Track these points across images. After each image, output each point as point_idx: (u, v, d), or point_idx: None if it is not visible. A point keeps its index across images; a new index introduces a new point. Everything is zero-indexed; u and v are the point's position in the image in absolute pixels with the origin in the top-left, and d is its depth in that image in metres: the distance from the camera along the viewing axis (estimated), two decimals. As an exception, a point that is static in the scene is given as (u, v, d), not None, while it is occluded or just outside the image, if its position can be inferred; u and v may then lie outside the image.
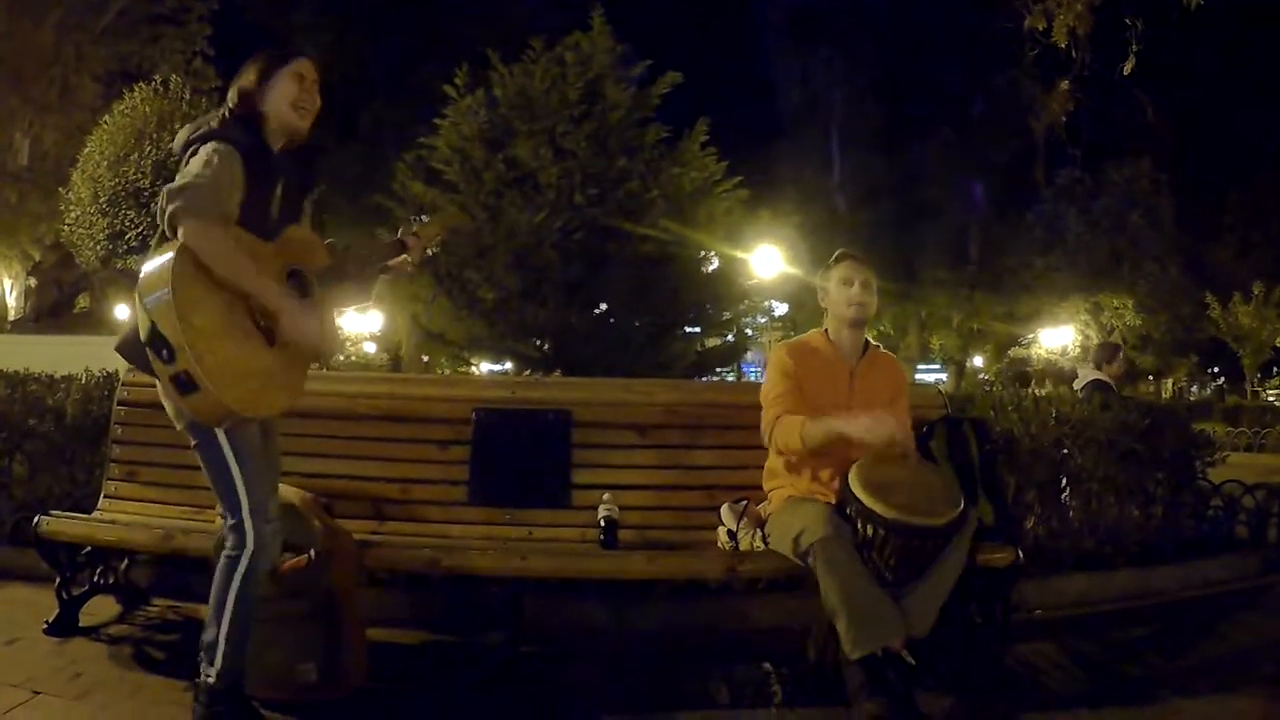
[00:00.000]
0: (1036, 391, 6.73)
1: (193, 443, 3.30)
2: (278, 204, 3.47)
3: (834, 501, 3.84)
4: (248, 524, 3.26)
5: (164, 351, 2.97)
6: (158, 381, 3.16)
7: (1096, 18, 9.51)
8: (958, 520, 3.67)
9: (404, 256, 3.97)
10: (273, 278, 3.35)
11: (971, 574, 3.84)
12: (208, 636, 3.26)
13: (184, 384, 2.98)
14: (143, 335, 3.03)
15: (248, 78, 3.47)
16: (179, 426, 3.31)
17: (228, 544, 3.29)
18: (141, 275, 3.09)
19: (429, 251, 4.14)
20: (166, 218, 3.12)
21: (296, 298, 3.43)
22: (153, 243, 3.29)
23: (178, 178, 3.19)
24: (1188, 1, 8.52)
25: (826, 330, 4.35)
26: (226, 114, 3.43)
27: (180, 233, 3.08)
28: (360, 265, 3.85)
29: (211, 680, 3.24)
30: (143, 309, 3.03)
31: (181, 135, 3.43)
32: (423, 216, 4.22)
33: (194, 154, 3.28)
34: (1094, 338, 34.53)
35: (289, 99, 3.47)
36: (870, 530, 3.62)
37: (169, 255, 3.04)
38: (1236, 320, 40.89)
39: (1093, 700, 3.92)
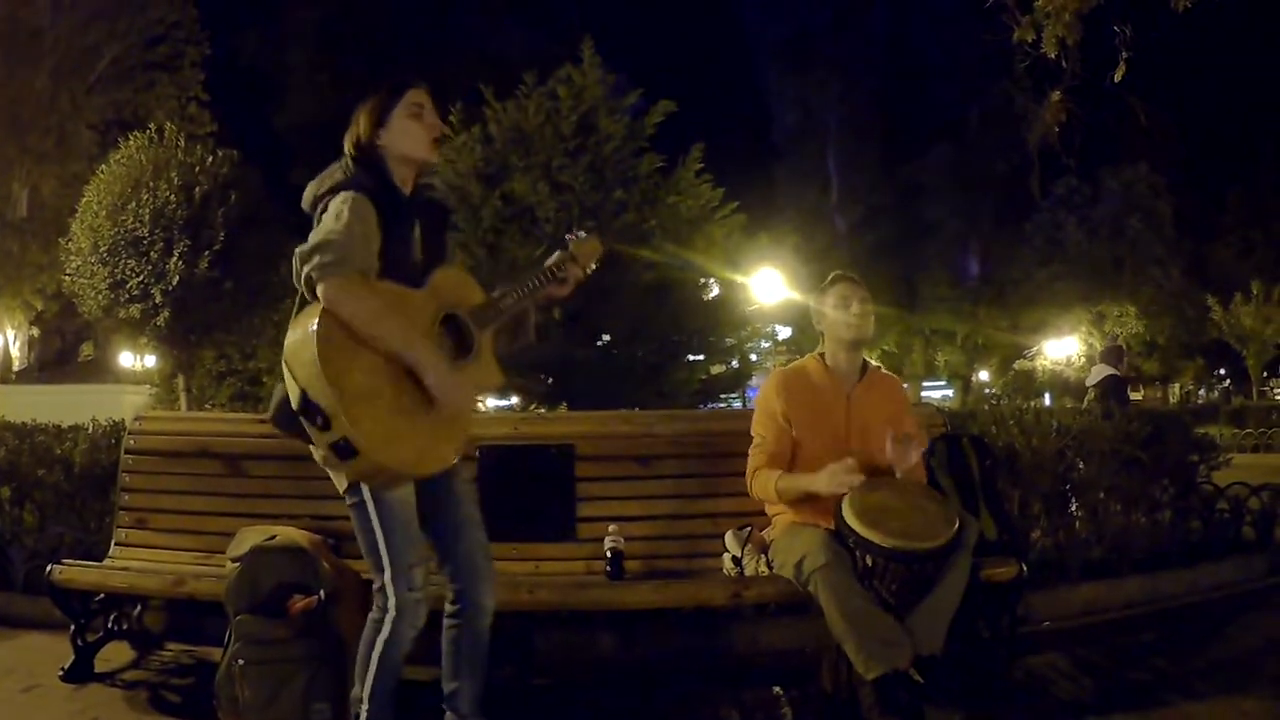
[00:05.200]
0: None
1: (348, 502, 3.23)
2: (418, 246, 3.35)
3: (834, 527, 3.80)
4: (389, 588, 3.20)
5: (319, 419, 2.89)
6: (312, 446, 3.12)
7: (1086, 26, 9.50)
8: (955, 539, 3.66)
9: (562, 284, 3.69)
10: (427, 326, 3.23)
11: (976, 589, 3.84)
12: (354, 693, 3.27)
13: (344, 450, 2.91)
14: (294, 404, 2.96)
15: (362, 125, 3.34)
16: (340, 489, 3.22)
17: (375, 605, 3.25)
18: (287, 342, 3.02)
19: (585, 273, 3.82)
20: (303, 280, 3.03)
21: (450, 348, 3.31)
22: (295, 307, 3.16)
23: (310, 236, 3.09)
24: (1176, 4, 8.52)
25: (823, 354, 4.31)
26: (349, 162, 3.31)
27: (319, 294, 2.98)
28: (517, 300, 3.57)
29: None
30: (291, 377, 2.96)
31: (309, 192, 3.31)
32: (579, 233, 3.67)
33: (325, 210, 3.17)
34: (1097, 346, 34.48)
35: (410, 136, 3.34)
36: (870, 559, 3.61)
37: (313, 320, 2.94)
38: (1238, 321, 40.72)
39: (1101, 708, 3.96)
